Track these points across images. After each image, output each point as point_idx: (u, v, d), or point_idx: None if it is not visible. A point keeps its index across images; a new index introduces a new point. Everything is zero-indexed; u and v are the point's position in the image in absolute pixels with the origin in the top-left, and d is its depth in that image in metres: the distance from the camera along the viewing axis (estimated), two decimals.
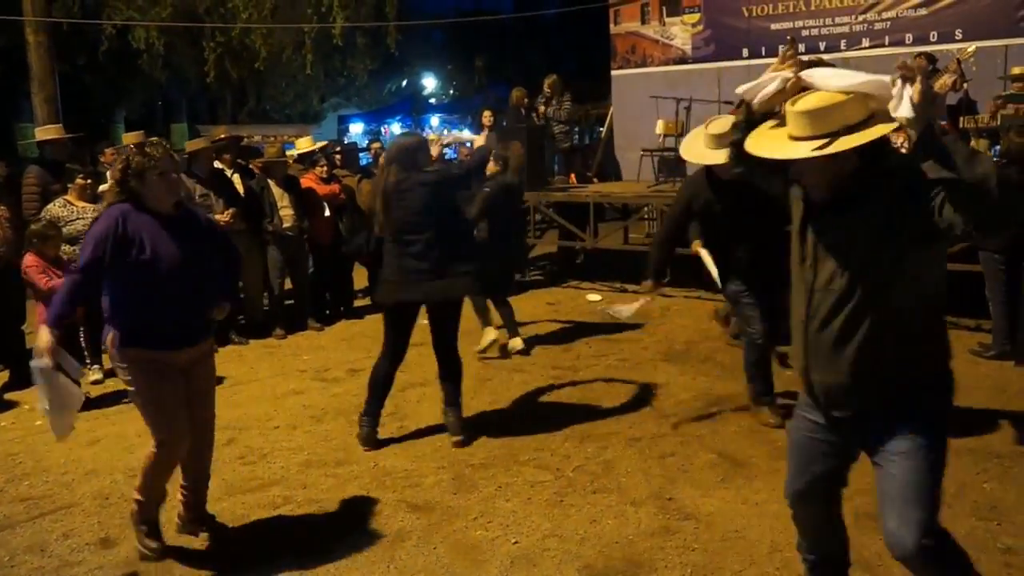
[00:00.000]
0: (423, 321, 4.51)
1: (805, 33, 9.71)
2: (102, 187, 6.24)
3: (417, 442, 4.54)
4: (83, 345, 5.81)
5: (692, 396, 5.14)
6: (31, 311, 6.02)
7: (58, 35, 11.63)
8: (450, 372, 4.59)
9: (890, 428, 2.24)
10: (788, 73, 2.38)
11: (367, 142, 15.01)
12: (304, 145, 8.46)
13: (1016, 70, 7.58)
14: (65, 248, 5.64)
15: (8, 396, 5.56)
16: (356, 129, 24.10)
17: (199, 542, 3.47)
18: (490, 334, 6.12)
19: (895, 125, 2.10)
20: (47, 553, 3.44)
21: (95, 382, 5.74)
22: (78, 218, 5.77)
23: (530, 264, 9.98)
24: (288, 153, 8.10)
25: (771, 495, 3.67)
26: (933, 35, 9.01)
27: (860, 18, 9.53)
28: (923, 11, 9.15)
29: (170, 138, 17.21)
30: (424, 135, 5.15)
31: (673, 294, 8.06)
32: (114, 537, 3.52)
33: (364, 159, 12.55)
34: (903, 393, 2.24)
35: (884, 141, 2.19)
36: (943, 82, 7.37)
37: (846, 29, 9.63)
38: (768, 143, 2.34)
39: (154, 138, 3.41)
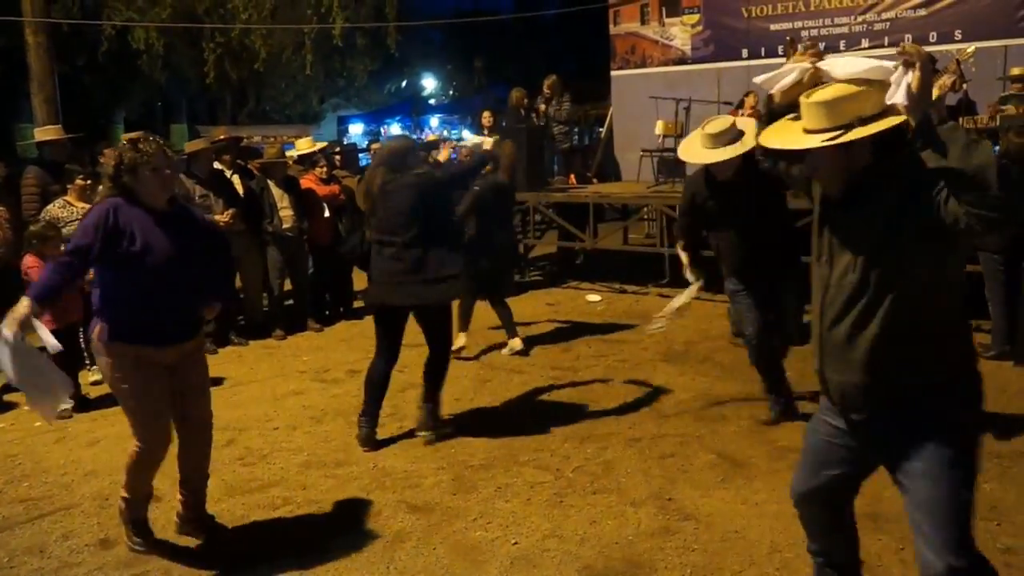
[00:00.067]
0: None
1: (804, 34, 9.72)
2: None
3: (416, 443, 4.54)
4: (83, 346, 5.81)
5: (692, 396, 5.14)
6: None
7: (58, 36, 11.64)
8: (432, 370, 4.61)
9: (912, 441, 2.17)
10: (806, 64, 2.38)
11: (367, 143, 15.03)
12: (304, 146, 8.45)
13: (1015, 71, 7.58)
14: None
15: (7, 398, 5.55)
16: (356, 130, 24.12)
17: (199, 542, 3.47)
18: (460, 339, 6.08)
19: (904, 118, 2.08)
20: (47, 554, 3.43)
21: (95, 383, 5.73)
22: (77, 219, 5.76)
23: (530, 265, 9.98)
24: (288, 154, 8.10)
25: (771, 495, 3.68)
26: (932, 36, 9.01)
27: (859, 19, 9.54)
28: (922, 11, 9.16)
29: (170, 139, 17.17)
30: (438, 136, 5.15)
31: (672, 294, 8.05)
32: (113, 538, 3.52)
33: (364, 160, 12.55)
34: (920, 396, 2.18)
35: (900, 136, 2.16)
36: (942, 82, 7.36)
37: (845, 30, 9.64)
38: (782, 135, 2.33)
39: (139, 134, 3.40)
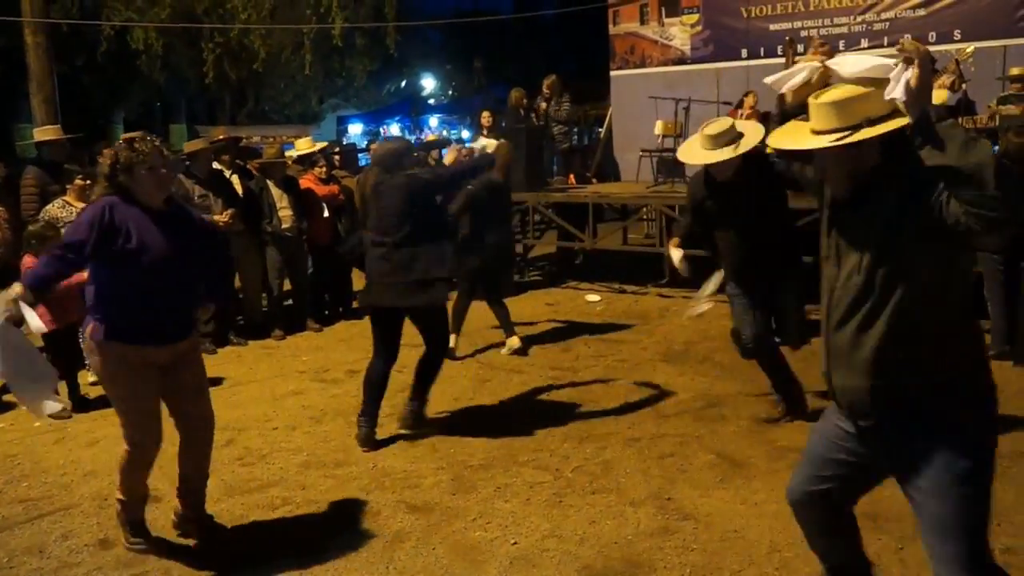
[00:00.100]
0: None
1: (804, 34, 9.71)
2: None
3: (416, 443, 4.54)
4: (83, 346, 5.80)
5: (691, 396, 5.14)
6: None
7: (57, 36, 11.63)
8: (423, 368, 4.63)
9: (918, 452, 2.13)
10: (816, 63, 2.38)
11: (366, 143, 15.02)
12: (304, 147, 8.45)
13: (1014, 70, 7.58)
14: None
15: (7, 398, 5.54)
16: (355, 130, 24.11)
17: (198, 542, 3.47)
18: (450, 340, 6.06)
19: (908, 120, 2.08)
20: (46, 554, 3.43)
21: (94, 383, 5.72)
22: None
23: (529, 265, 9.98)
24: (287, 154, 8.10)
25: (770, 495, 3.68)
26: (932, 36, 9.01)
27: (859, 19, 9.55)
28: (922, 11, 9.17)
29: (169, 139, 17.21)
30: (438, 136, 5.16)
31: (672, 294, 8.08)
32: (113, 538, 3.52)
33: (363, 160, 12.55)
34: (927, 403, 2.14)
35: (902, 136, 2.14)
36: (942, 82, 7.37)
37: (845, 30, 9.65)
38: (791, 136, 2.32)
39: (137, 134, 3.40)
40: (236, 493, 3.97)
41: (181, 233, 3.24)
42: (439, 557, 3.31)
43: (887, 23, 9.38)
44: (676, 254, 4.77)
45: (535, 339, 6.66)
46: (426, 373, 4.64)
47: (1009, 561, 3.08)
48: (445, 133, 21.34)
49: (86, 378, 5.68)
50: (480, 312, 6.36)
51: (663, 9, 11.04)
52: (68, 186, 6.07)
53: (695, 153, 4.34)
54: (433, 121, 24.44)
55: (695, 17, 10.77)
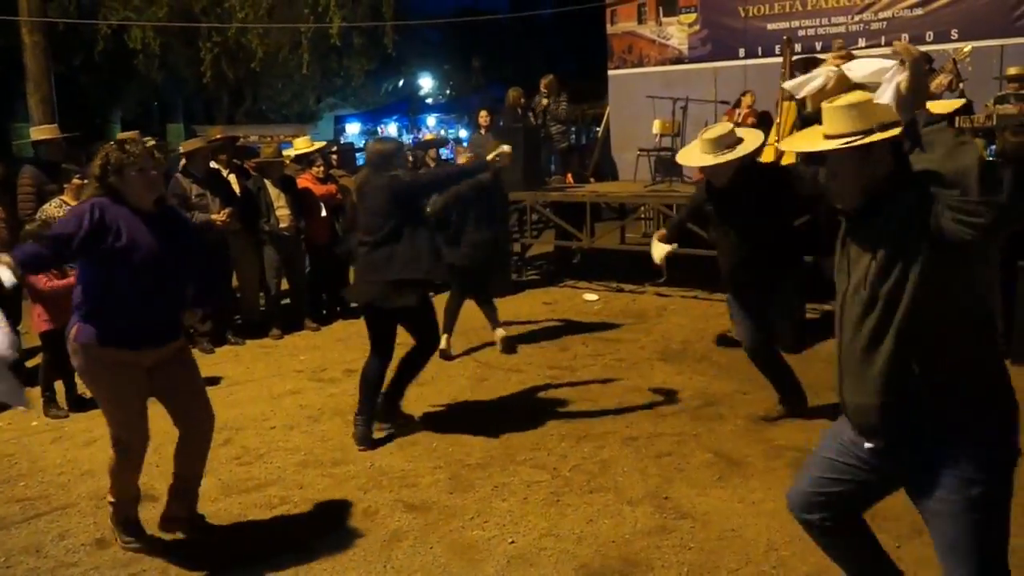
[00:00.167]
0: None
1: (801, 33, 9.73)
2: None
3: (413, 442, 4.54)
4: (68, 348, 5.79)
5: (688, 395, 5.14)
6: (28, 312, 6.00)
7: (54, 35, 11.62)
8: (407, 362, 4.64)
9: (933, 476, 2.08)
10: (834, 67, 2.39)
11: (364, 142, 15.01)
12: (302, 146, 8.44)
13: (1012, 70, 7.58)
14: None
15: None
16: (353, 129, 24.10)
17: (196, 542, 3.47)
18: (441, 340, 6.07)
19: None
20: (43, 554, 3.43)
21: None
22: None
23: (527, 264, 9.98)
24: (285, 153, 8.09)
25: (767, 494, 3.68)
26: (929, 35, 9.03)
27: (856, 18, 9.56)
28: (919, 11, 9.19)
29: (166, 138, 17.22)
30: (435, 135, 5.16)
31: (670, 293, 8.08)
32: (110, 538, 3.51)
33: (361, 159, 12.54)
34: (938, 422, 2.07)
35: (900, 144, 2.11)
36: (939, 82, 7.37)
37: (842, 29, 9.66)
38: (805, 140, 2.31)
39: (134, 133, 3.41)
40: (233, 492, 3.97)
41: (170, 235, 3.22)
42: (436, 556, 3.31)
43: (884, 22, 9.39)
44: (659, 249, 4.70)
45: (533, 338, 6.66)
46: (405, 369, 4.64)
47: (1010, 561, 3.08)
48: (443, 132, 21.35)
49: None
50: (477, 312, 6.35)
51: (661, 8, 11.05)
52: (65, 185, 6.04)
53: (694, 156, 4.39)
54: (431, 120, 24.44)
55: (693, 16, 10.78)
